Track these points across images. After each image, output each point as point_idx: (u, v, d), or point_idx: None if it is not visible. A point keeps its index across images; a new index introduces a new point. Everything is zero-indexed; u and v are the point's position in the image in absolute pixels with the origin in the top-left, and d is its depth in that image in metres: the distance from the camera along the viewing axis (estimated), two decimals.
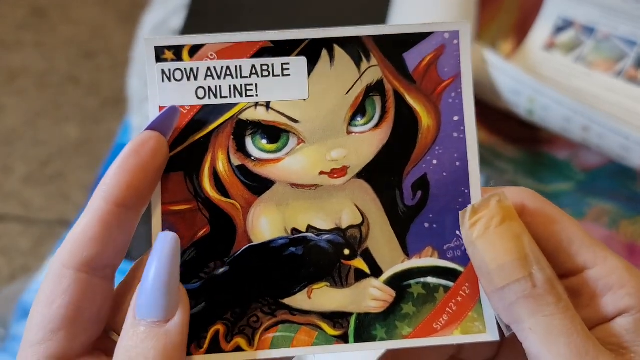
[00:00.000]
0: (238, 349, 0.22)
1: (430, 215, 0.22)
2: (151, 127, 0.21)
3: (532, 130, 0.52)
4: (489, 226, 0.20)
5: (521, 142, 0.52)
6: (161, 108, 0.22)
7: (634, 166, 0.46)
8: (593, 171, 0.50)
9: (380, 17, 0.54)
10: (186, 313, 0.20)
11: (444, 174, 0.23)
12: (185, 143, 0.22)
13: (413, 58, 0.22)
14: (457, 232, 0.22)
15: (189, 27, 0.58)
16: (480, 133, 0.52)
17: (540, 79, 0.48)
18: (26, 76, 1.15)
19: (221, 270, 0.22)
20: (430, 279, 0.22)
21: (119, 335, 0.21)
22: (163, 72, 0.22)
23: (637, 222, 0.47)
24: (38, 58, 1.16)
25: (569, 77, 0.51)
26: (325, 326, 0.22)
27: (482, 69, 0.49)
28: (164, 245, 0.20)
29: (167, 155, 0.21)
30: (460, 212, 0.21)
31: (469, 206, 0.21)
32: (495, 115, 0.52)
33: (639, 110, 0.48)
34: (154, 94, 0.22)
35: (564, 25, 0.52)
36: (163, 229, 0.22)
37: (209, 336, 0.22)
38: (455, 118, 0.23)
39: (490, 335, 0.22)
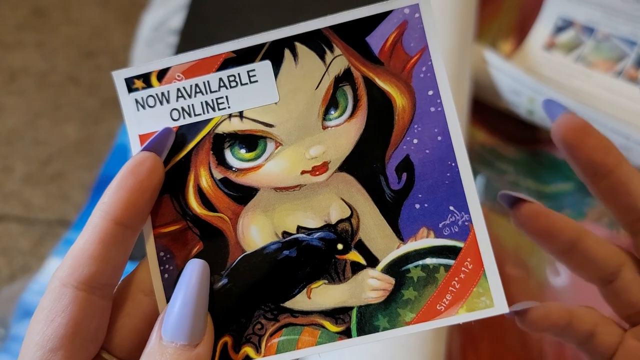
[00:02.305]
0: (247, 357, 0.22)
1: (420, 195, 0.22)
2: (147, 148, 0.22)
3: (532, 130, 0.52)
4: None
5: (521, 142, 0.52)
6: (140, 136, 0.23)
7: (634, 166, 0.46)
8: None
9: None
10: (211, 337, 0.21)
11: (427, 151, 0.22)
12: (168, 166, 0.22)
13: (376, 40, 0.22)
14: (451, 208, 0.22)
15: (189, 27, 0.57)
16: (480, 133, 0.52)
17: (540, 79, 0.48)
18: (26, 76, 1.15)
19: (220, 283, 0.22)
20: (429, 260, 0.22)
21: (110, 354, 0.21)
22: (137, 101, 0.22)
23: None
24: (38, 58, 1.16)
25: (569, 77, 0.50)
26: (327, 324, 0.22)
27: (482, 69, 0.49)
28: (194, 272, 0.21)
29: (163, 175, 0.22)
30: None
31: None
32: (495, 115, 0.52)
33: (639, 110, 0.48)
34: (131, 124, 0.23)
35: (564, 25, 0.52)
36: (157, 252, 0.22)
37: (218, 349, 0.22)
38: (430, 92, 0.22)
39: (499, 308, 0.21)
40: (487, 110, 0.52)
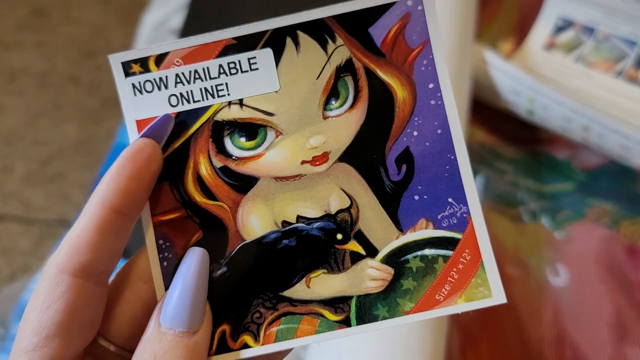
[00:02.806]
0: (245, 346, 0.22)
1: (419, 187, 0.22)
2: (146, 135, 0.21)
3: (532, 130, 0.52)
4: None
5: (521, 142, 0.52)
6: (138, 122, 0.22)
7: (634, 166, 0.46)
8: (593, 171, 0.50)
9: None
10: (210, 325, 0.21)
11: (427, 143, 0.22)
12: (166, 152, 0.22)
13: (379, 31, 0.22)
14: (450, 200, 0.22)
15: (189, 27, 0.58)
16: (480, 133, 0.52)
17: (540, 79, 0.48)
18: (26, 76, 1.15)
19: (219, 272, 0.22)
20: (427, 251, 0.22)
21: (107, 341, 0.21)
22: (134, 85, 0.22)
23: (637, 223, 0.47)
24: (38, 58, 1.16)
25: (569, 77, 0.50)
26: (326, 313, 0.22)
27: (482, 69, 0.49)
28: (194, 260, 0.21)
29: (162, 162, 0.22)
30: None
31: None
32: (495, 115, 0.52)
33: (639, 111, 0.48)
34: (128, 109, 0.22)
35: (564, 25, 0.52)
36: (156, 240, 0.22)
37: (216, 337, 0.22)
38: (431, 85, 0.22)
39: (497, 298, 0.21)
40: (486, 110, 0.52)
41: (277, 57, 0.22)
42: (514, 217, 0.48)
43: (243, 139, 0.22)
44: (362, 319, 0.22)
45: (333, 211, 0.22)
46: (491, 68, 0.49)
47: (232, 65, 0.22)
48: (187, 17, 0.58)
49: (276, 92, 0.22)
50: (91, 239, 0.20)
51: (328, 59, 0.22)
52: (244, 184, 0.22)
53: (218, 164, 0.22)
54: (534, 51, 0.53)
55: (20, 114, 1.10)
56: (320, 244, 0.22)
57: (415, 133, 0.22)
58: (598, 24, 0.51)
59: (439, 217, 0.22)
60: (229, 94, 0.22)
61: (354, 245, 0.22)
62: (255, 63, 0.22)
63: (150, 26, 0.60)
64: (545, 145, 0.52)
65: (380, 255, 0.22)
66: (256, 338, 0.22)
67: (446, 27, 0.47)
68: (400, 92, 0.22)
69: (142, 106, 0.22)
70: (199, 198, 0.22)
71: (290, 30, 0.22)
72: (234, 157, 0.22)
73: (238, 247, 0.22)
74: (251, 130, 0.22)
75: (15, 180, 1.04)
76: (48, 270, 0.20)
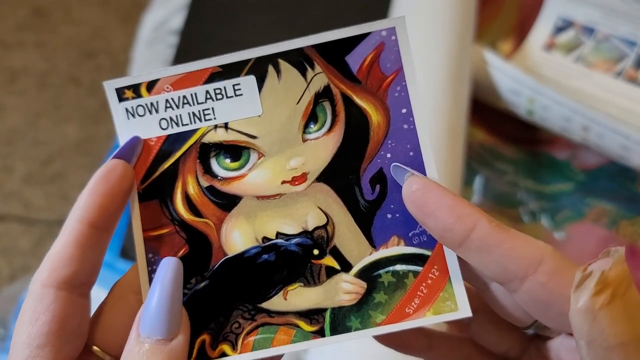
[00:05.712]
0: (223, 354, 0.23)
1: (392, 206, 0.23)
2: (117, 156, 0.23)
3: (532, 131, 0.52)
4: (615, 295, 0.18)
5: (521, 142, 0.52)
6: None
7: (633, 166, 0.46)
8: (593, 171, 0.50)
9: (381, 16, 0.54)
10: (187, 332, 0.22)
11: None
12: (156, 173, 0.24)
13: (355, 60, 0.23)
14: None
15: (189, 27, 0.58)
16: (480, 133, 0.52)
17: (540, 79, 0.48)
18: (27, 76, 1.15)
19: (202, 284, 0.23)
20: (399, 267, 0.23)
21: (100, 349, 0.22)
22: (127, 110, 0.24)
23: (637, 223, 0.47)
24: (39, 58, 1.16)
25: (568, 77, 0.51)
26: (302, 324, 0.23)
27: (482, 69, 0.49)
28: (168, 270, 0.22)
29: (133, 180, 0.23)
30: (577, 273, 0.19)
31: (594, 269, 0.19)
32: (495, 115, 0.52)
33: (639, 110, 0.48)
34: (122, 132, 0.24)
35: (564, 26, 0.52)
36: (146, 254, 0.23)
37: (196, 346, 0.23)
38: (403, 110, 0.23)
39: (463, 312, 0.23)
40: (486, 110, 0.52)
41: (260, 83, 0.23)
42: (513, 218, 0.48)
43: (228, 160, 0.23)
44: (335, 330, 0.23)
45: (310, 228, 0.23)
46: (491, 68, 0.49)
47: (218, 91, 0.23)
48: (187, 18, 0.58)
49: (259, 116, 0.23)
50: (71, 253, 0.21)
51: (307, 86, 0.23)
52: (228, 202, 0.24)
53: (205, 183, 0.24)
54: (533, 51, 0.53)
55: (20, 114, 1.10)
56: (297, 258, 0.23)
57: (388, 155, 0.23)
58: (598, 24, 0.51)
59: (410, 234, 0.23)
60: (215, 118, 0.23)
61: (329, 261, 0.23)
62: (240, 89, 0.23)
63: (151, 26, 0.60)
64: (545, 146, 0.52)
65: (354, 270, 0.23)
66: (234, 347, 0.23)
67: (446, 27, 0.47)
68: (375, 116, 0.23)
69: (134, 129, 0.23)
70: (186, 215, 0.23)
71: (272, 59, 0.23)
72: (219, 177, 0.24)
73: (221, 261, 0.23)
74: (236, 152, 0.23)
75: (16, 180, 1.04)
76: (33, 286, 0.21)
